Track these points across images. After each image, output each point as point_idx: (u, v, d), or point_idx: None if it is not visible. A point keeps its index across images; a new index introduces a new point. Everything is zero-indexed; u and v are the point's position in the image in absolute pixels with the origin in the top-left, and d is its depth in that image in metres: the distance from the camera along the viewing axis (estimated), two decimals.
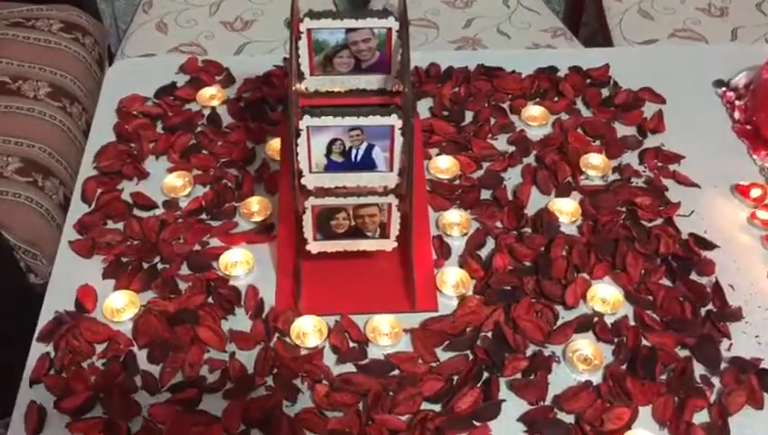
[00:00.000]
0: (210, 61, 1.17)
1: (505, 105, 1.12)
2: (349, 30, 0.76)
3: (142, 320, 0.86)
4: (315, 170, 0.79)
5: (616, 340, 0.86)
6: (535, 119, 1.10)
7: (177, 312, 0.87)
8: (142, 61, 1.24)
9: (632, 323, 0.87)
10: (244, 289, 0.90)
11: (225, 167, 1.03)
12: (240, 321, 0.87)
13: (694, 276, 0.92)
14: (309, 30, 0.75)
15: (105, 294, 0.88)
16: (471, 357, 0.84)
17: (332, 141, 0.77)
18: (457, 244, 0.95)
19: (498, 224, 0.97)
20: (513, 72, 1.17)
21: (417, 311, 0.88)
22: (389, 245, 0.86)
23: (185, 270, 0.92)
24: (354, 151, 0.78)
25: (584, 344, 0.85)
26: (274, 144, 1.05)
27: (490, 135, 1.08)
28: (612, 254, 0.93)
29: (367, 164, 0.79)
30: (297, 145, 0.76)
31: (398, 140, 0.76)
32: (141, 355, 0.84)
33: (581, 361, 0.84)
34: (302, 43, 0.76)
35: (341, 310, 0.88)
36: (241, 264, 0.92)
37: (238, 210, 0.98)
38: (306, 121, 0.74)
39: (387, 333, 0.86)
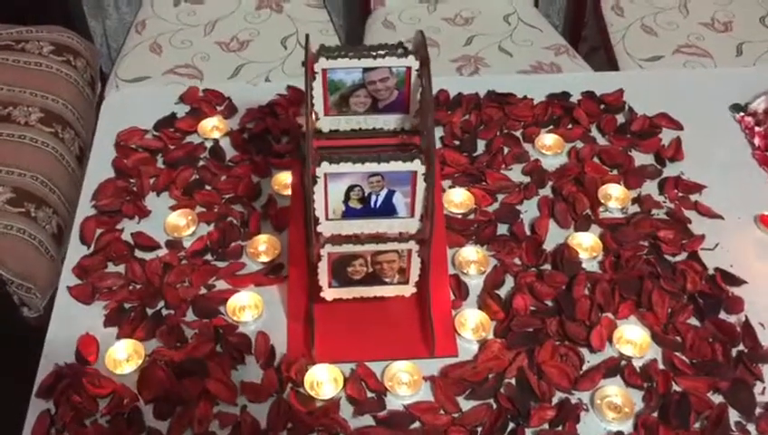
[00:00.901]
0: (211, 90, 1.13)
1: (518, 133, 1.09)
2: (366, 69, 0.72)
3: (147, 372, 0.82)
4: (332, 217, 0.75)
5: (646, 385, 0.82)
6: (550, 148, 1.06)
7: (184, 362, 0.82)
8: (139, 90, 1.20)
9: (661, 366, 0.84)
10: (253, 336, 0.85)
11: (229, 203, 0.98)
12: (251, 370, 0.83)
13: (722, 315, 0.88)
14: (324, 70, 0.71)
15: (107, 344, 0.84)
16: (495, 406, 0.80)
17: (351, 188, 0.73)
18: (475, 283, 0.91)
19: (516, 261, 0.93)
20: (525, 97, 1.13)
21: (436, 356, 0.84)
22: (409, 290, 0.82)
23: (191, 316, 0.87)
24: (374, 198, 0.74)
25: (613, 391, 0.81)
26: (281, 178, 1.01)
27: (504, 165, 1.04)
28: (637, 292, 0.89)
29: (387, 210, 0.75)
30: (314, 193, 0.71)
31: (421, 185, 0.72)
32: (147, 410, 0.79)
33: (611, 409, 0.80)
34: (317, 83, 0.72)
35: (357, 357, 0.83)
36: (250, 308, 0.88)
37: (245, 250, 0.93)
38: (324, 168, 0.70)
39: (406, 381, 0.82)
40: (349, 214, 0.75)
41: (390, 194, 0.74)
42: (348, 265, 0.78)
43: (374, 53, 0.71)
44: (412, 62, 0.72)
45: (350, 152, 0.73)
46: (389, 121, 0.76)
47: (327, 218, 0.75)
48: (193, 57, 1.59)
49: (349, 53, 0.71)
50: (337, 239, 0.75)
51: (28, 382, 0.81)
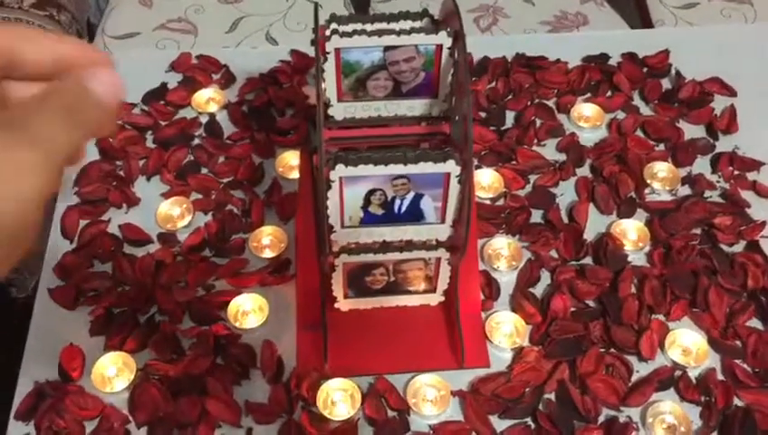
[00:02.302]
0: (205, 56, 1.01)
1: (551, 103, 0.97)
2: (388, 48, 0.60)
3: (140, 390, 0.72)
4: (348, 225, 0.64)
5: (704, 399, 0.72)
6: (588, 119, 0.94)
7: (180, 378, 0.73)
8: (125, 55, 1.07)
9: (721, 376, 0.74)
10: (258, 345, 0.76)
11: (229, 188, 0.88)
12: (256, 387, 0.73)
13: None
14: (337, 50, 0.59)
15: (94, 357, 0.74)
16: (533, 426, 0.71)
17: (371, 192, 0.61)
18: (506, 279, 0.81)
19: (553, 253, 0.83)
20: (558, 61, 1.00)
21: (465, 367, 0.74)
22: (435, 299, 0.71)
23: (187, 322, 0.77)
24: (398, 202, 0.62)
25: (667, 407, 0.72)
26: (286, 158, 0.90)
27: (536, 141, 0.92)
28: (691, 289, 0.79)
29: (413, 216, 0.64)
30: (327, 199, 0.60)
31: (455, 187, 0.61)
32: None
33: (665, 428, 0.71)
34: (329, 65, 0.60)
35: (376, 370, 0.74)
36: (254, 312, 0.78)
37: (247, 244, 0.83)
38: (339, 172, 0.59)
39: (432, 398, 0.72)
40: (368, 220, 0.64)
41: (418, 198, 0.62)
42: (367, 274, 0.67)
43: (398, 29, 0.59)
44: (443, 38, 0.60)
45: (370, 145, 0.62)
46: (414, 107, 0.64)
47: (342, 226, 0.64)
48: (186, 10, 1.45)
49: (366, 27, 0.59)
50: (354, 249, 0.64)
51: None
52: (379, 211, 0.63)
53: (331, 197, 0.61)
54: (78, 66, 0.34)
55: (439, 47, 0.60)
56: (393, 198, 0.62)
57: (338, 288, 0.68)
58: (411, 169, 0.59)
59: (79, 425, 0.71)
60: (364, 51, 0.59)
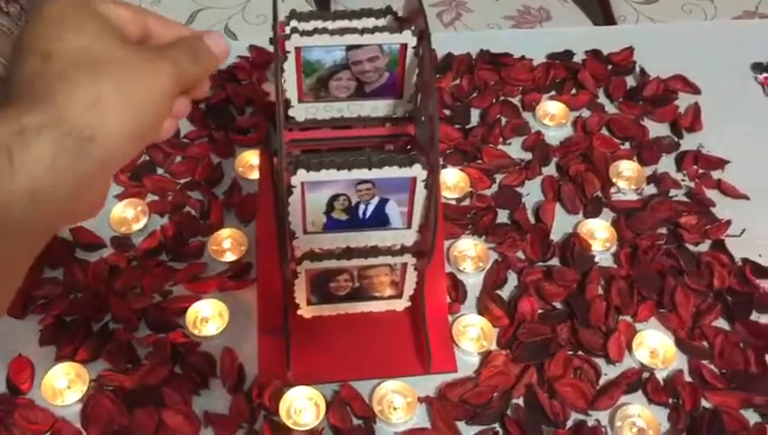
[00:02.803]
0: None
1: (516, 100, 0.95)
2: (350, 47, 0.57)
3: (93, 402, 0.69)
4: (311, 231, 0.61)
5: (671, 401, 0.72)
6: (553, 117, 0.93)
7: (136, 389, 0.70)
8: None
9: (688, 378, 0.73)
10: (218, 353, 0.73)
11: (186, 189, 0.84)
12: (216, 397, 0.71)
13: (754, 315, 0.78)
14: (298, 49, 0.56)
15: (44, 368, 0.71)
16: (501, 432, 0.70)
17: (334, 197, 0.59)
18: (473, 281, 0.79)
19: (520, 255, 0.81)
20: (523, 58, 0.99)
21: (432, 373, 0.73)
22: (402, 305, 0.69)
23: (143, 330, 0.74)
24: (362, 207, 0.60)
25: (635, 410, 0.71)
26: (246, 158, 0.87)
27: (502, 139, 0.91)
28: (658, 290, 0.78)
29: (378, 221, 0.61)
30: (288, 205, 0.58)
31: (421, 192, 0.59)
32: None
33: (633, 432, 0.70)
34: (289, 64, 0.57)
35: (341, 376, 0.72)
36: (213, 319, 0.75)
37: (206, 247, 0.80)
38: (301, 177, 0.56)
39: (398, 405, 0.71)
40: (332, 226, 0.62)
41: (383, 203, 0.60)
42: (331, 280, 0.65)
43: (360, 28, 0.56)
44: (408, 37, 0.57)
45: (332, 147, 0.60)
46: (378, 108, 0.62)
47: (305, 232, 0.61)
48: (142, 1, 1.41)
49: (328, 25, 0.56)
50: (317, 255, 0.62)
51: None
52: (343, 216, 0.61)
53: (292, 202, 0.58)
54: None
55: (404, 46, 0.58)
56: (357, 204, 0.60)
57: (300, 295, 0.66)
58: (376, 173, 0.57)
59: None
60: (326, 50, 0.57)
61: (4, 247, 0.35)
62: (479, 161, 0.88)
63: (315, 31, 0.56)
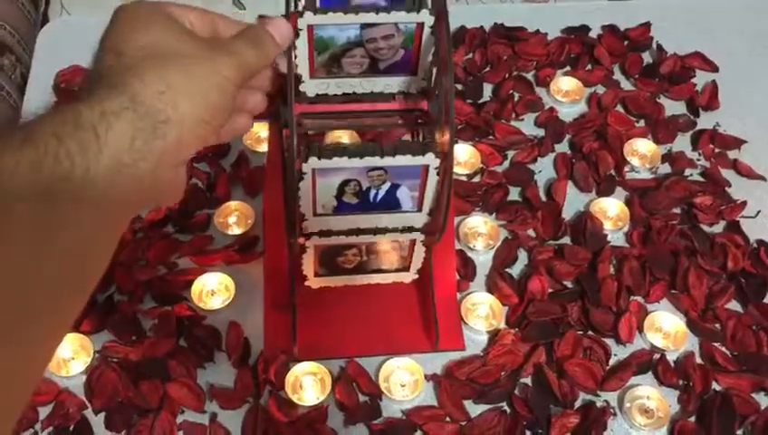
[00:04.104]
0: None
1: (530, 76, 0.93)
2: (365, 25, 0.56)
3: (97, 373, 0.69)
4: (321, 213, 0.61)
5: (682, 383, 0.71)
6: (567, 94, 0.91)
7: (141, 361, 0.70)
8: (81, 20, 1.01)
9: (699, 360, 0.72)
10: (224, 327, 0.72)
11: (193, 161, 0.82)
12: (221, 370, 0.70)
13: None
14: (310, 26, 0.55)
15: None
16: (509, 411, 0.69)
17: (345, 182, 0.58)
18: (483, 259, 0.78)
19: (531, 233, 0.80)
20: (538, 32, 0.97)
21: (439, 350, 0.72)
22: (409, 277, 0.68)
23: (148, 302, 0.74)
24: (373, 192, 0.60)
25: (645, 391, 0.70)
26: (254, 130, 0.85)
27: (514, 115, 0.89)
28: (671, 271, 0.77)
29: (389, 205, 0.61)
30: (299, 189, 0.57)
31: (433, 178, 0.58)
32: (98, 421, 0.67)
33: (642, 413, 0.69)
34: (301, 42, 0.56)
35: (347, 352, 0.71)
36: (219, 292, 0.75)
37: (212, 220, 0.79)
38: (312, 164, 0.56)
39: (405, 382, 0.70)
40: (342, 209, 0.61)
41: (394, 188, 0.60)
42: (339, 254, 0.64)
43: (376, 7, 0.55)
44: (425, 16, 0.55)
45: (343, 120, 0.59)
46: (392, 85, 0.60)
47: (315, 214, 0.61)
48: None
49: (342, 5, 0.54)
50: (326, 234, 0.61)
51: None
52: (354, 200, 0.60)
53: (303, 187, 0.58)
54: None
55: (420, 25, 0.56)
56: (368, 188, 0.60)
57: (308, 267, 0.65)
58: (388, 161, 0.56)
59: (32, 410, 0.67)
60: (339, 27, 0.55)
61: (91, 219, 0.37)
62: (491, 137, 0.87)
63: (329, 9, 0.54)
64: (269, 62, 0.50)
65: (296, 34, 0.55)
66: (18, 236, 0.34)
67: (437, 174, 0.57)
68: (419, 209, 0.61)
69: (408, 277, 0.69)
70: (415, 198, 0.60)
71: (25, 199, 0.35)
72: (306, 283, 0.68)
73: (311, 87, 0.59)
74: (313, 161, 0.56)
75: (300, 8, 0.55)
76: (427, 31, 0.56)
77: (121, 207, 0.39)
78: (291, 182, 0.56)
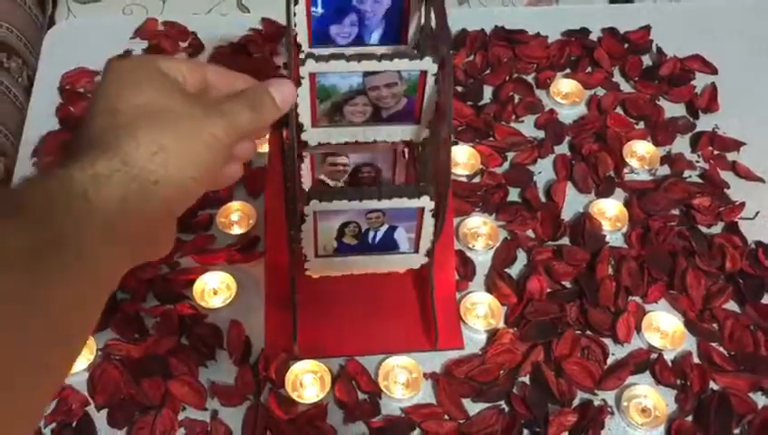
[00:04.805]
0: (172, 23, 0.96)
1: (530, 78, 0.94)
2: (368, 73, 0.56)
3: (100, 371, 0.70)
4: (322, 254, 0.64)
5: (679, 382, 0.71)
6: (567, 96, 0.92)
7: (143, 358, 0.70)
8: (88, 22, 1.02)
9: (697, 360, 0.73)
10: (225, 326, 0.73)
11: None
12: (222, 368, 0.71)
13: (766, 299, 0.77)
14: (312, 75, 0.56)
15: None
16: (507, 410, 0.69)
17: (345, 224, 0.61)
18: (482, 259, 0.79)
19: (530, 233, 0.81)
20: (538, 35, 0.98)
21: (438, 349, 0.72)
22: (418, 261, 0.68)
23: (151, 301, 0.74)
24: (372, 233, 0.63)
25: (642, 390, 0.70)
26: None
27: (514, 117, 0.90)
28: (669, 271, 0.78)
29: (387, 246, 0.65)
30: (301, 232, 0.61)
31: (429, 220, 0.61)
32: (100, 418, 0.68)
33: (639, 412, 0.69)
34: (303, 90, 0.56)
35: (347, 351, 0.72)
36: (221, 291, 0.75)
37: (215, 220, 0.80)
38: (313, 207, 0.59)
39: (403, 381, 0.70)
40: (342, 250, 0.64)
41: (392, 229, 0.63)
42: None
43: (378, 54, 0.55)
44: (428, 64, 0.56)
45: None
46: (394, 133, 0.61)
47: (317, 255, 0.64)
48: None
49: (344, 53, 0.55)
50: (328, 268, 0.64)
51: None
52: (353, 241, 0.64)
53: (305, 229, 0.61)
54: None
55: (423, 73, 0.57)
56: (367, 230, 0.63)
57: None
58: (385, 204, 0.59)
59: None
60: (341, 75, 0.56)
61: (80, 280, 0.37)
62: (491, 139, 0.88)
63: (331, 57, 0.55)
64: (266, 125, 0.50)
65: (298, 83, 0.55)
66: (4, 309, 0.34)
67: (433, 216, 0.61)
68: (416, 251, 0.65)
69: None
70: (412, 239, 0.64)
71: (11, 269, 0.34)
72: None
73: (313, 135, 0.61)
74: (315, 204, 0.58)
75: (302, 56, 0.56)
76: (430, 79, 0.57)
77: (111, 267, 0.40)
78: (290, 174, 0.58)
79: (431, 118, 0.60)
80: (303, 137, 0.60)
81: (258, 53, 0.93)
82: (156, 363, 0.70)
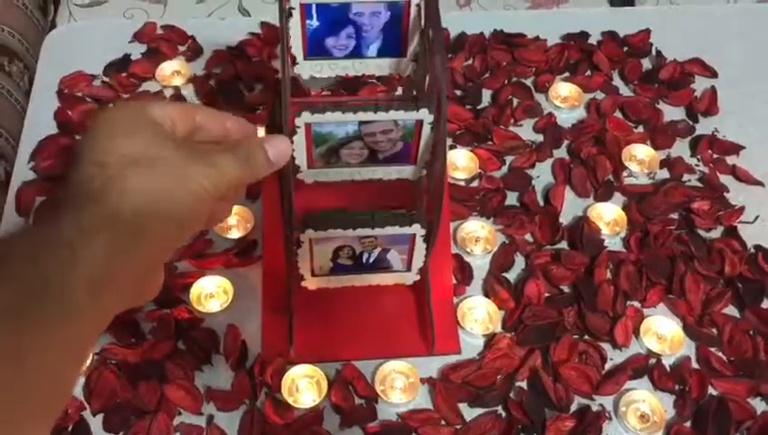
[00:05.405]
0: (171, 26, 0.96)
1: (529, 82, 0.94)
2: (364, 121, 0.57)
3: (96, 375, 0.69)
4: (319, 273, 0.66)
5: (678, 388, 0.71)
6: (566, 99, 0.92)
7: (139, 363, 0.70)
8: (86, 25, 1.03)
9: (695, 365, 0.72)
10: (222, 330, 0.73)
11: None
12: (219, 373, 0.71)
13: (765, 303, 0.76)
14: (308, 125, 0.56)
15: None
16: (504, 415, 0.69)
17: (340, 248, 0.64)
18: (480, 263, 0.79)
19: (528, 237, 0.80)
20: (537, 38, 0.98)
21: (435, 354, 0.72)
22: (411, 278, 0.69)
23: (148, 305, 0.74)
24: (366, 255, 0.65)
25: (640, 395, 0.70)
26: None
27: (513, 121, 0.90)
28: (667, 276, 0.77)
29: (381, 266, 0.67)
30: (297, 256, 0.62)
31: (420, 244, 0.63)
32: (96, 422, 0.67)
33: (638, 417, 0.69)
34: (299, 138, 0.57)
35: (344, 355, 0.72)
36: (217, 295, 0.75)
37: None
38: (309, 235, 0.60)
39: (400, 386, 0.70)
40: (338, 270, 0.67)
41: (385, 252, 0.65)
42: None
43: (374, 105, 0.55)
44: (424, 114, 0.56)
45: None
46: (390, 173, 0.62)
47: (313, 275, 0.67)
48: None
49: (340, 106, 0.55)
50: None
51: None
52: (349, 262, 0.66)
53: (300, 253, 0.63)
54: (240, 135, 0.51)
55: (419, 122, 0.57)
56: (361, 252, 0.65)
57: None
58: (378, 231, 0.61)
59: None
60: (337, 124, 0.56)
61: (66, 334, 0.38)
62: (489, 142, 0.87)
63: (326, 109, 0.55)
64: (257, 179, 0.50)
65: (294, 131, 0.56)
66: None
67: (424, 241, 0.63)
68: (409, 269, 0.67)
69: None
70: (404, 260, 0.66)
71: None
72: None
73: (308, 176, 0.61)
74: (310, 233, 0.60)
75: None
76: (426, 127, 0.57)
77: (97, 318, 0.40)
78: (286, 178, 0.58)
79: (428, 159, 0.60)
80: (299, 177, 0.61)
81: (257, 57, 0.93)
82: (152, 368, 0.70)
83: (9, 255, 0.37)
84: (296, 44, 0.61)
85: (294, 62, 0.62)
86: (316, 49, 0.62)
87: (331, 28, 0.61)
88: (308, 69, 0.62)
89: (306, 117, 0.55)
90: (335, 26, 0.60)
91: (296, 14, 0.59)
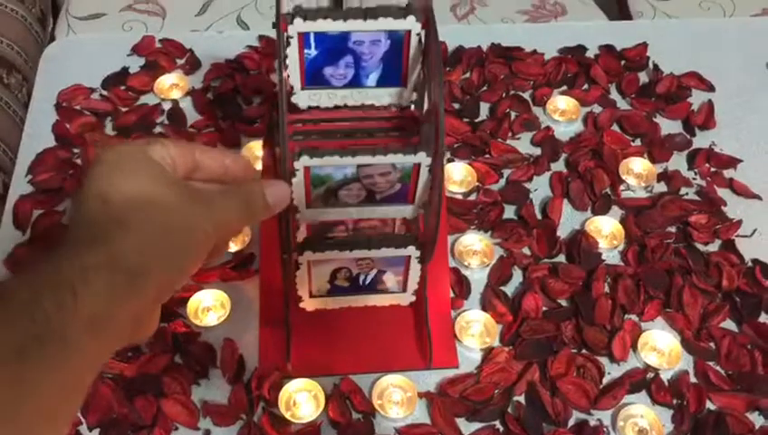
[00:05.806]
0: (169, 40, 0.97)
1: (527, 95, 0.94)
2: (362, 165, 0.57)
3: (92, 390, 0.68)
4: (316, 294, 0.67)
5: (676, 402, 0.71)
6: (563, 113, 0.92)
7: (135, 377, 0.70)
8: (84, 38, 1.03)
9: (693, 379, 0.72)
10: (219, 344, 0.73)
11: None
12: (215, 387, 0.70)
13: (763, 317, 0.76)
14: (306, 168, 0.56)
15: None
16: (502, 430, 0.69)
17: (337, 269, 0.65)
18: (477, 277, 0.79)
19: (526, 251, 0.80)
20: (535, 52, 0.98)
21: (433, 368, 0.72)
22: (406, 299, 0.69)
23: None
24: (362, 277, 0.66)
25: (638, 410, 0.70)
26: (252, 148, 0.86)
27: (511, 134, 0.90)
28: (665, 289, 0.77)
29: (377, 287, 0.68)
30: (296, 277, 0.63)
31: (416, 265, 0.64)
32: None
33: (636, 432, 0.69)
34: (297, 181, 0.57)
35: (341, 370, 0.71)
36: (215, 309, 0.75)
37: None
38: (307, 257, 0.61)
39: (398, 400, 0.70)
40: (335, 291, 0.67)
41: (381, 273, 0.66)
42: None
43: (372, 149, 0.56)
44: (422, 157, 0.57)
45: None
46: (388, 213, 0.63)
47: (311, 296, 0.67)
48: None
49: (339, 150, 0.56)
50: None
51: None
52: (345, 284, 0.66)
53: (299, 275, 0.64)
54: (239, 174, 0.52)
55: (417, 165, 0.57)
56: (358, 274, 0.65)
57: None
58: (374, 253, 0.62)
59: None
60: (335, 167, 0.56)
61: (66, 371, 0.38)
62: (487, 156, 0.88)
63: (325, 153, 0.55)
64: (255, 223, 0.52)
65: (292, 174, 0.56)
66: None
67: (419, 262, 0.65)
68: (404, 290, 0.68)
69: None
70: (400, 281, 0.67)
71: None
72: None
73: (306, 215, 0.61)
74: (308, 254, 0.61)
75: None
76: (424, 170, 0.58)
77: (97, 356, 0.41)
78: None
79: (425, 199, 0.61)
80: (297, 217, 0.61)
81: (255, 70, 0.94)
82: (149, 382, 0.69)
83: (10, 295, 0.38)
84: (294, 74, 0.61)
85: (292, 92, 0.61)
86: (314, 78, 0.62)
87: (329, 57, 0.60)
88: (306, 98, 0.62)
89: (305, 160, 0.56)
90: (334, 55, 0.60)
91: (294, 43, 0.59)
